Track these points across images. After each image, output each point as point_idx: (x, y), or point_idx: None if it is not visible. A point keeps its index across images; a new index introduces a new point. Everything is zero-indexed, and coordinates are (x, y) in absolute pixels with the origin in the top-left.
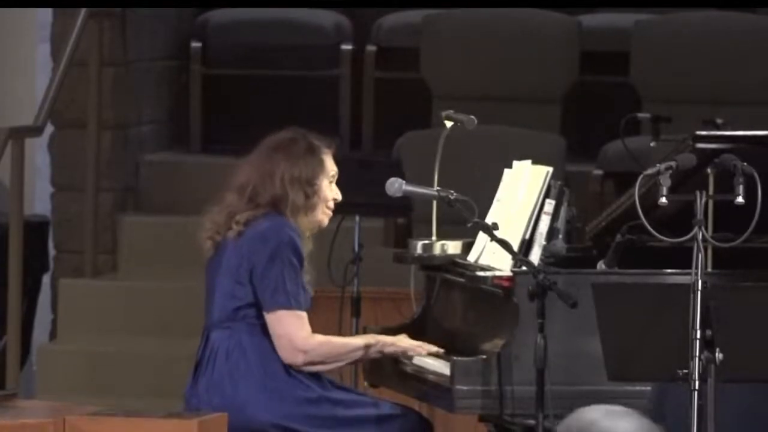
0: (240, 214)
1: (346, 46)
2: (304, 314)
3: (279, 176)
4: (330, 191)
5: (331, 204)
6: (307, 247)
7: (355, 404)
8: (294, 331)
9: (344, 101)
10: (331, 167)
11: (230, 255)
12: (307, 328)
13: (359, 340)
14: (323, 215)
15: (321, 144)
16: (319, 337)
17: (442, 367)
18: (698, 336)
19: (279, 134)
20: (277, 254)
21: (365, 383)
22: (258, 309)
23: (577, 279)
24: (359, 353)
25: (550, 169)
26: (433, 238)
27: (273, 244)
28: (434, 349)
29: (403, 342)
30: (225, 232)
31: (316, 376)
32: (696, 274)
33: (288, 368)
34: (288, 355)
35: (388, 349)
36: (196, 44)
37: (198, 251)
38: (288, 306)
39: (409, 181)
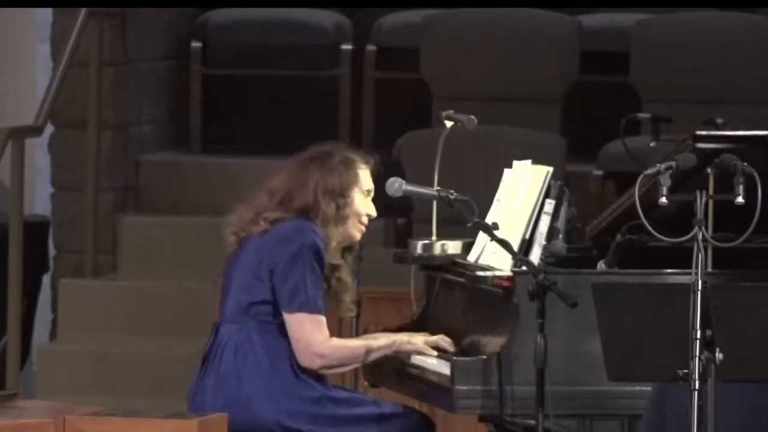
0: (268, 213)
1: (346, 46)
2: (323, 318)
3: (312, 185)
4: (363, 206)
5: (365, 219)
6: (334, 259)
7: (358, 403)
8: (313, 336)
9: (344, 101)
10: (366, 182)
11: (251, 250)
12: (326, 332)
13: (377, 342)
14: (355, 229)
15: (358, 158)
16: (336, 341)
17: (441, 367)
18: (698, 336)
19: (318, 145)
20: (299, 256)
21: (365, 383)
22: (273, 308)
23: (577, 279)
24: (377, 354)
25: (550, 169)
26: (433, 238)
27: (296, 246)
28: (450, 348)
29: (419, 340)
30: (250, 228)
31: (320, 377)
32: (696, 274)
33: (295, 368)
34: (305, 358)
35: (405, 347)
36: (196, 44)
37: (196, 251)
38: (308, 309)
39: (409, 181)
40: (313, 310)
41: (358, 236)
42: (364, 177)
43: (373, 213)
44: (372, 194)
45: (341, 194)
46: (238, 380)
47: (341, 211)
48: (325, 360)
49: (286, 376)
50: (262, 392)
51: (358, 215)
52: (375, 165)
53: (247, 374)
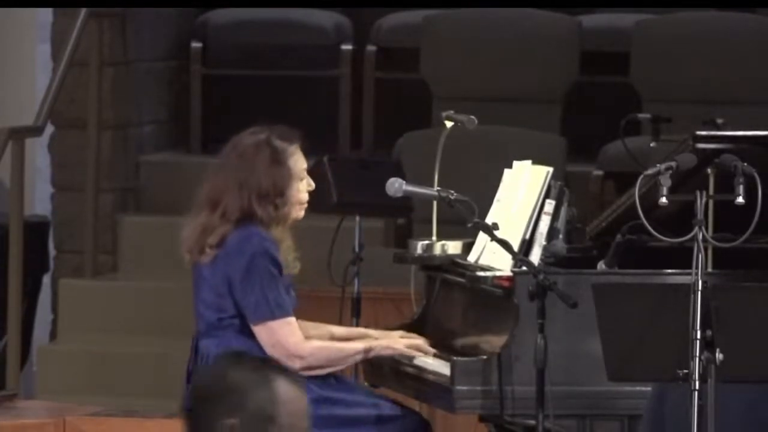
0: (212, 236)
1: (346, 47)
2: (292, 320)
3: (246, 192)
4: (302, 191)
5: (305, 196)
6: (285, 242)
7: (355, 404)
8: (286, 339)
9: (344, 101)
10: (299, 167)
11: (208, 270)
12: (299, 333)
13: (356, 345)
14: (299, 212)
15: (286, 144)
16: (315, 342)
17: (442, 367)
18: (698, 336)
19: (244, 139)
20: (252, 266)
21: (365, 383)
22: (241, 319)
23: (578, 279)
24: (357, 357)
25: (551, 170)
26: (434, 238)
27: (247, 257)
28: (430, 350)
29: (398, 344)
30: (198, 250)
31: (312, 376)
32: (696, 274)
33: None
34: (284, 361)
35: (386, 352)
36: (196, 44)
37: None
38: (274, 316)
39: (409, 182)
40: (278, 315)
41: (302, 214)
42: (297, 162)
43: (312, 186)
44: (306, 170)
45: (279, 194)
46: None
47: (280, 211)
48: (305, 361)
49: None
50: None
51: (300, 201)
52: (301, 139)
53: None
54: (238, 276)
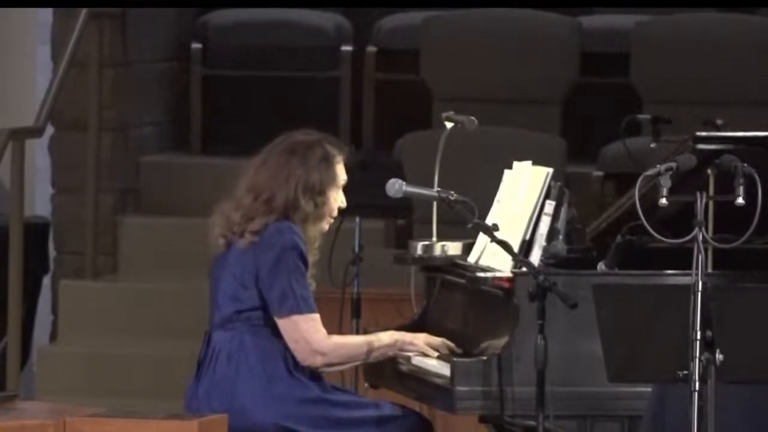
0: (255, 222)
1: (347, 48)
2: (317, 316)
3: (293, 183)
4: (336, 201)
5: (335, 212)
6: (313, 256)
7: (356, 405)
8: (310, 334)
9: (344, 102)
10: (341, 176)
11: (236, 258)
12: (322, 329)
13: (379, 341)
14: (327, 224)
15: (335, 151)
16: (336, 338)
17: (442, 368)
18: (698, 337)
19: (298, 136)
20: (281, 259)
21: (365, 384)
22: (263, 311)
23: (578, 280)
24: (379, 353)
25: (551, 170)
26: (434, 239)
27: (277, 249)
28: (450, 346)
29: (420, 340)
30: (239, 233)
31: (317, 378)
32: (696, 275)
33: (290, 368)
34: (306, 357)
35: (407, 347)
36: (196, 45)
37: (196, 253)
38: (299, 310)
39: (409, 182)
40: (304, 310)
41: (326, 228)
42: (341, 171)
43: (344, 204)
44: (344, 183)
45: (320, 193)
46: (232, 388)
47: (318, 210)
48: (326, 357)
49: (280, 378)
50: (257, 398)
51: (332, 211)
52: (349, 153)
53: (240, 382)
54: (266, 268)
